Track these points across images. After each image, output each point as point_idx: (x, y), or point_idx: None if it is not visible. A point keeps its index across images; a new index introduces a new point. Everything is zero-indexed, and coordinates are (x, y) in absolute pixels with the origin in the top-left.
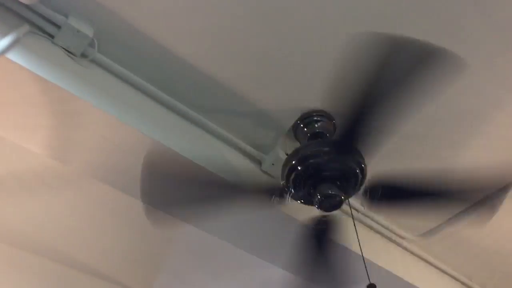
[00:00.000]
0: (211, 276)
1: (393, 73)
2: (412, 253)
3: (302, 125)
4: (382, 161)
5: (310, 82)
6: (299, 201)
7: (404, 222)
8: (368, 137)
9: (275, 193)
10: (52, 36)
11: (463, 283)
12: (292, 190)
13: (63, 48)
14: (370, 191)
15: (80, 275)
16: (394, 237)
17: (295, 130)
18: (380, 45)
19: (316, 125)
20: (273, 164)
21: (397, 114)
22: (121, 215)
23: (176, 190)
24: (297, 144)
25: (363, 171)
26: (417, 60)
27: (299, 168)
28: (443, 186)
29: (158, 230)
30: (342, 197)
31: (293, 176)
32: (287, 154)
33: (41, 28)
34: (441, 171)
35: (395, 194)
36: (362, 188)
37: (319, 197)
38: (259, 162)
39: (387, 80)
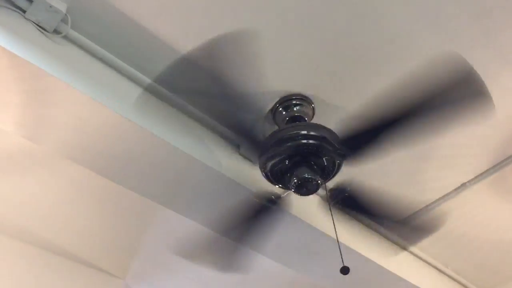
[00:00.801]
0: (187, 261)
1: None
2: (389, 239)
3: (280, 109)
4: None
5: (290, 66)
6: (276, 186)
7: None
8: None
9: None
10: (23, 11)
11: (439, 270)
12: (269, 174)
13: (35, 24)
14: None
15: (54, 258)
16: (371, 223)
17: (273, 113)
18: None
19: (294, 109)
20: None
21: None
22: (97, 198)
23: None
24: (276, 128)
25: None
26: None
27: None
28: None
29: (134, 213)
30: (319, 181)
31: (270, 159)
32: None
33: (12, 1)
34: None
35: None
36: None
37: (295, 180)
38: (237, 145)
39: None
